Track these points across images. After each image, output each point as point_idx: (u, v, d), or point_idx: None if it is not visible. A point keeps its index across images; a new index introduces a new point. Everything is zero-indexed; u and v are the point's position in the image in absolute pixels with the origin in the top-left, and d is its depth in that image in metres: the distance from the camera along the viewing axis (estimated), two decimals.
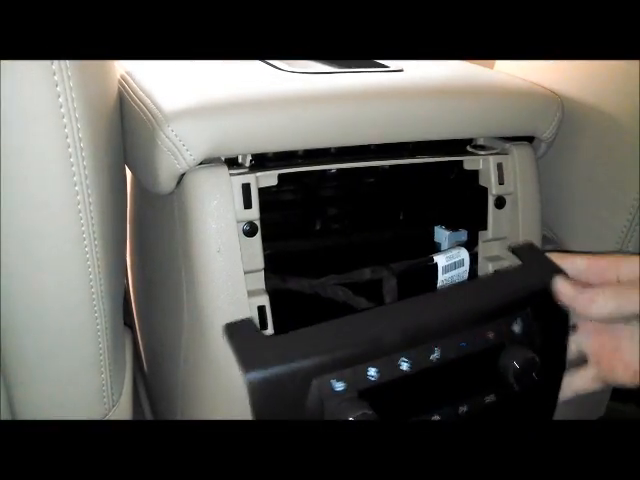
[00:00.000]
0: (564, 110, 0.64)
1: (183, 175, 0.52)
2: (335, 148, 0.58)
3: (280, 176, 0.55)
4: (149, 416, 0.86)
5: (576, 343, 0.51)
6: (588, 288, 0.46)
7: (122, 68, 0.61)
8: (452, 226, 0.67)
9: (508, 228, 0.64)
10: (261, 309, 0.55)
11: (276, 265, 0.57)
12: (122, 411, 0.54)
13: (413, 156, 0.61)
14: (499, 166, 0.63)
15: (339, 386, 0.40)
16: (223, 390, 0.55)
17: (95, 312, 0.46)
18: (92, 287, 0.45)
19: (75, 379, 0.48)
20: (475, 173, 0.64)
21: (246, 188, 0.53)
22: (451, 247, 0.66)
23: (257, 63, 0.64)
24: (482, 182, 0.64)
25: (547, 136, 0.64)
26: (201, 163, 0.51)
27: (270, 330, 0.55)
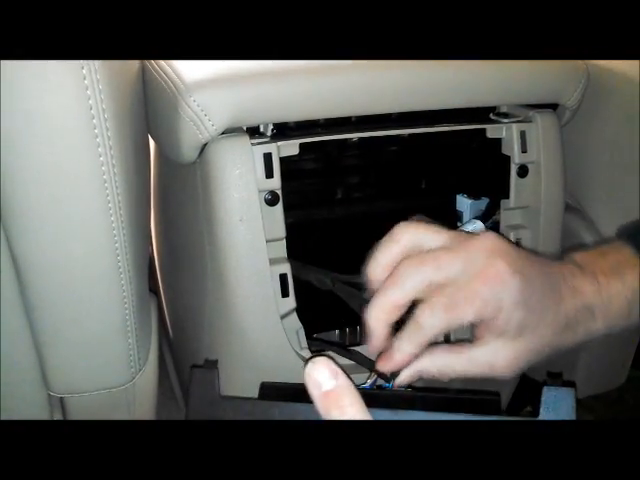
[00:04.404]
0: (589, 76, 0.63)
1: (205, 145, 0.52)
2: (356, 117, 0.57)
3: (301, 145, 0.55)
4: (174, 380, 0.89)
5: None
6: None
7: None
8: (474, 195, 0.67)
9: (531, 197, 0.64)
10: (283, 277, 0.55)
11: (297, 234, 0.58)
12: (148, 376, 0.56)
13: (435, 124, 0.60)
14: (522, 134, 0.62)
15: None
16: (247, 352, 0.57)
17: (121, 279, 0.47)
18: (118, 255, 0.46)
19: (102, 344, 0.50)
20: (498, 141, 0.63)
21: (268, 157, 0.53)
22: (465, 223, 0.65)
23: None
24: (505, 150, 0.63)
25: (572, 103, 0.63)
26: (223, 133, 0.52)
27: (292, 297, 0.56)
